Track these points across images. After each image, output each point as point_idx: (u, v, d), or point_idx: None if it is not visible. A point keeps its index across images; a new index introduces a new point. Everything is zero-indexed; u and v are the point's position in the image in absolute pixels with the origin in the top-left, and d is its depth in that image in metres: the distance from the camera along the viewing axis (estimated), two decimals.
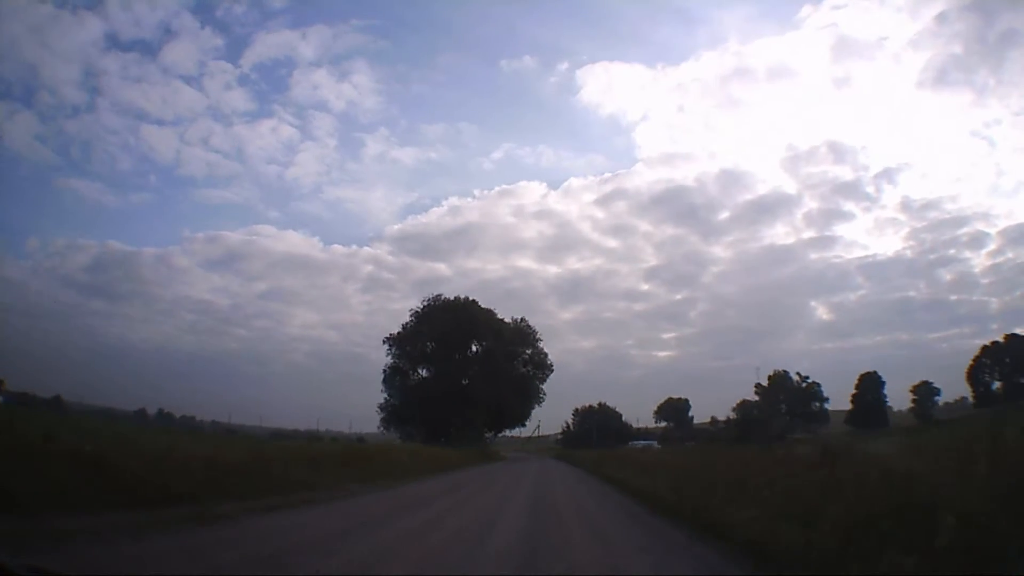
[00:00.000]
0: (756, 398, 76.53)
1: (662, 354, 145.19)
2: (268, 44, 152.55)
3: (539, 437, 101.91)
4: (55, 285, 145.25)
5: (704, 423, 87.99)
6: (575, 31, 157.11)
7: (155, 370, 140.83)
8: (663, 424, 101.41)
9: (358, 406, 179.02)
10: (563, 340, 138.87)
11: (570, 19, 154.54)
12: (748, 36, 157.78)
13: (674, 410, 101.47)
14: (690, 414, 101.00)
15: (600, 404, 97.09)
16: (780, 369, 79.20)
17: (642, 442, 66.01)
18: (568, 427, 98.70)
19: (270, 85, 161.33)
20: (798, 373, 79.36)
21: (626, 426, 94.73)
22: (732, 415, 71.40)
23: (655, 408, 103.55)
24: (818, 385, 78.03)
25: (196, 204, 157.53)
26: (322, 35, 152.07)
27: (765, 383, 78.20)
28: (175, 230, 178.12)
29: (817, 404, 77.32)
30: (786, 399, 76.62)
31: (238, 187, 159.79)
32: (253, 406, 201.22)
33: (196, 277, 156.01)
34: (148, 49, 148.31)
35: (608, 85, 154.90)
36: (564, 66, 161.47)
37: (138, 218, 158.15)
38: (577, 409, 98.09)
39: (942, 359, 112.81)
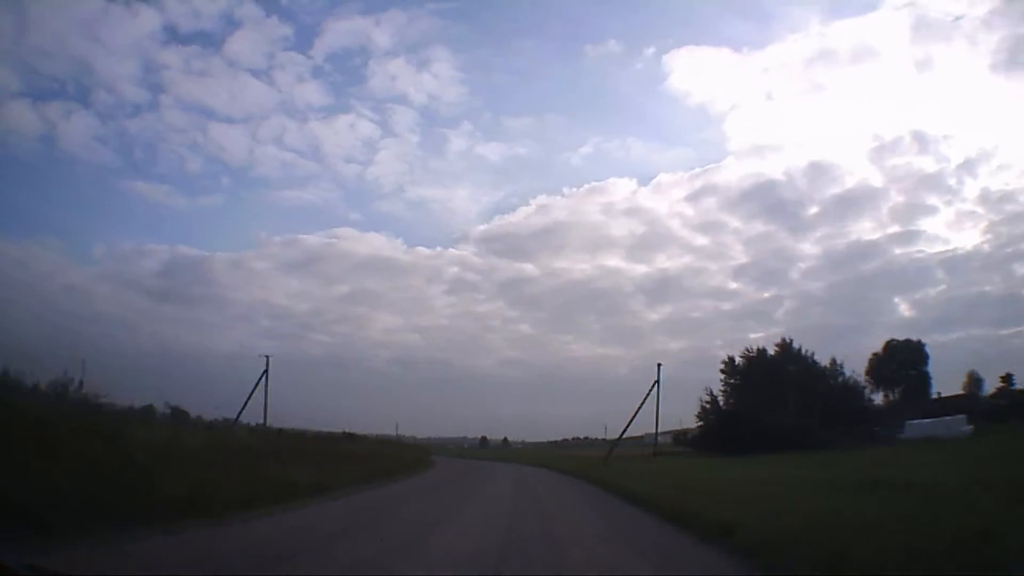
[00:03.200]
0: None
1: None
2: (339, 32, 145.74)
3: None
4: (124, 291, 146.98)
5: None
6: (660, 12, 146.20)
7: (229, 377, 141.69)
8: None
9: (440, 413, 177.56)
10: (651, 342, 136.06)
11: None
12: (829, 16, 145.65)
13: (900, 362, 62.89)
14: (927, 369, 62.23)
15: (782, 343, 58.25)
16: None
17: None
18: (711, 406, 56.37)
19: (345, 77, 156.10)
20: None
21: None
22: None
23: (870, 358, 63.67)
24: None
25: (271, 206, 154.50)
26: (396, 20, 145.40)
27: None
28: (250, 233, 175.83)
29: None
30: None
31: (316, 188, 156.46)
32: (330, 413, 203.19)
33: (273, 281, 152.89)
34: (210, 41, 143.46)
35: (695, 71, 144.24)
36: (650, 51, 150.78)
37: (210, 221, 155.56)
38: (732, 365, 57.57)
39: (1015, 354, 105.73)
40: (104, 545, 6.58)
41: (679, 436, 69.50)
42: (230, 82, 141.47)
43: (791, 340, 57.80)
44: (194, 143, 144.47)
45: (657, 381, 49.35)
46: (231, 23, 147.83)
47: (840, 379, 54.67)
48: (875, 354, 62.83)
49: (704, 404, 56.32)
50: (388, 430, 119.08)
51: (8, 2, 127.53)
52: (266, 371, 47.95)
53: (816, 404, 47.24)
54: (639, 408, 50.82)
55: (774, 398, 48.32)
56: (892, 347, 62.96)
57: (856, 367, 56.28)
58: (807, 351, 56.56)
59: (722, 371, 57.79)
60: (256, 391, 49.88)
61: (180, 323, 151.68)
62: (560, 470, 33.58)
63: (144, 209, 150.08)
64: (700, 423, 58.21)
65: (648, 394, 49.61)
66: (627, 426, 56.70)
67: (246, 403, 46.25)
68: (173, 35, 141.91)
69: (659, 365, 50.55)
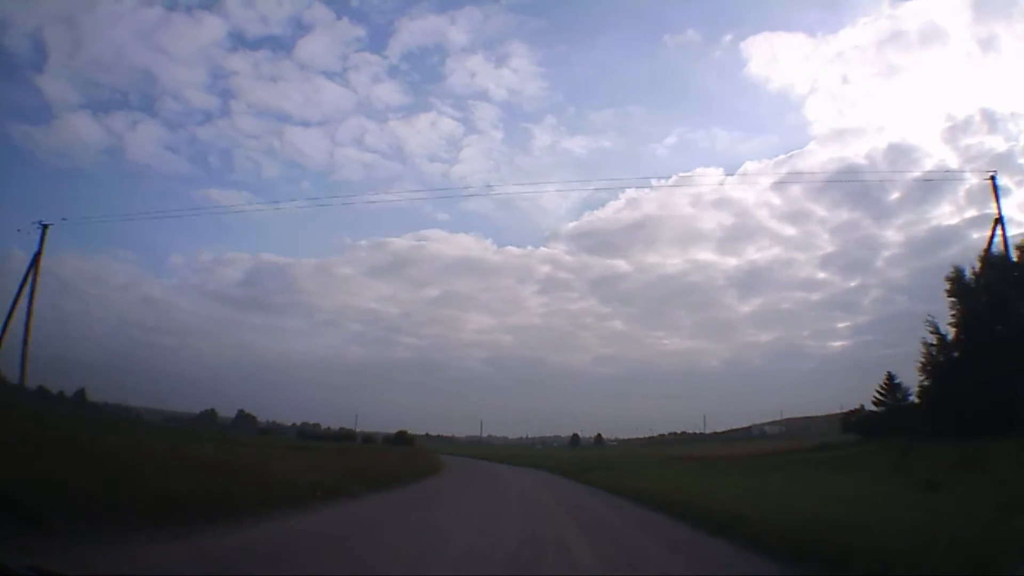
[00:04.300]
0: None
1: (836, 344, 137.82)
2: (414, 31, 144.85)
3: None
4: (205, 302, 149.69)
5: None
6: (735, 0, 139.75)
7: (319, 383, 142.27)
8: None
9: (530, 412, 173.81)
10: (740, 335, 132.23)
11: None
12: None
13: None
14: None
15: None
16: None
17: None
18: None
19: (423, 75, 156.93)
20: None
21: None
22: None
23: None
24: None
25: (355, 209, 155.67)
26: (472, 17, 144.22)
27: None
28: (335, 238, 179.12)
29: None
30: None
31: (400, 189, 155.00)
32: (419, 416, 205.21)
33: (361, 286, 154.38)
34: (280, 45, 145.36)
35: (773, 57, 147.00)
36: (728, 38, 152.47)
37: (292, 227, 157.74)
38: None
39: None
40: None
41: (850, 418, 52.20)
42: (303, 85, 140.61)
43: None
44: (270, 148, 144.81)
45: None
46: (300, 26, 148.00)
47: None
48: None
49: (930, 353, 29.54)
50: (476, 431, 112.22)
51: (61, 17, 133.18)
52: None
53: None
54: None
55: None
56: None
57: None
58: None
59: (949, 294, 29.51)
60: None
61: (265, 331, 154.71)
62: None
63: (222, 217, 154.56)
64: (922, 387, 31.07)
65: None
66: None
67: None
68: (240, 41, 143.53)
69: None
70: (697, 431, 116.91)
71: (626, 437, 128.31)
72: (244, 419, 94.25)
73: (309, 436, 72.69)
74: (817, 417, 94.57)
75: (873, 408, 44.51)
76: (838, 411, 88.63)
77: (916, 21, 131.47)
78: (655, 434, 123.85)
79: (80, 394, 65.98)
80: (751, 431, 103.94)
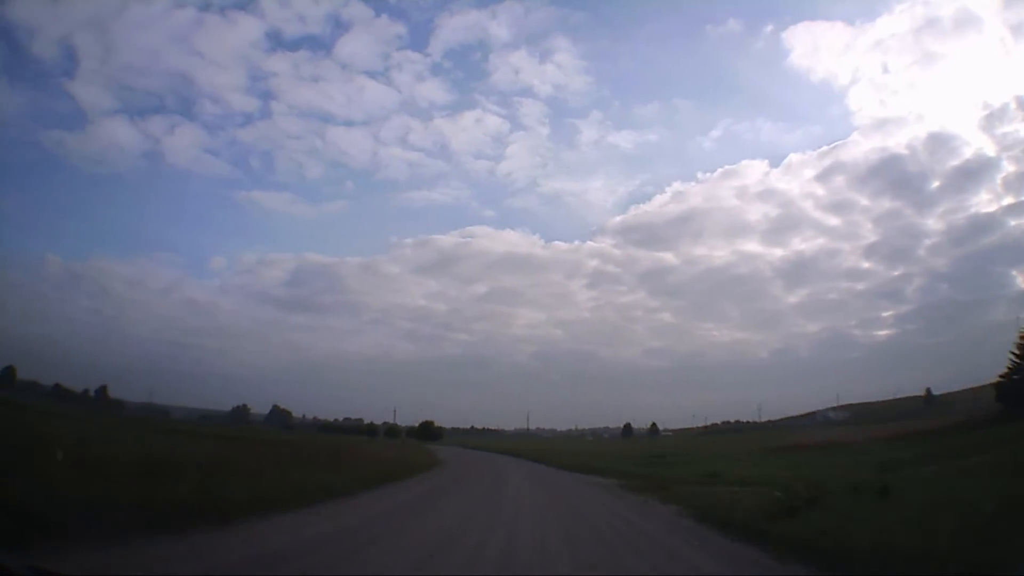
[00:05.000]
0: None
1: (881, 333, 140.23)
2: (455, 28, 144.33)
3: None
4: (249, 303, 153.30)
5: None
6: None
7: (366, 381, 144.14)
8: None
9: (581, 405, 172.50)
10: (788, 325, 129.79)
11: None
12: None
13: None
14: None
15: None
16: None
17: None
18: None
19: (466, 72, 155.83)
20: None
21: None
22: None
23: None
24: None
25: (401, 208, 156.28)
26: (513, 12, 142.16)
27: None
28: (380, 237, 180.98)
29: None
30: None
31: (446, 187, 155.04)
32: (467, 410, 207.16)
33: (408, 283, 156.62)
34: (319, 45, 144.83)
35: (815, 47, 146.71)
36: (769, 28, 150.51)
37: (336, 227, 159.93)
38: None
39: None
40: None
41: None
42: (345, 85, 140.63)
43: None
44: (313, 148, 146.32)
45: None
46: (339, 25, 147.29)
47: None
48: None
49: None
50: (524, 425, 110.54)
51: (90, 23, 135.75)
52: None
53: None
54: None
55: None
56: None
57: None
58: None
59: None
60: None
61: (310, 330, 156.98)
62: None
63: (265, 218, 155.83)
64: None
65: None
66: None
67: None
68: (278, 41, 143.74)
69: None
70: (749, 420, 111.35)
71: (680, 427, 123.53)
72: (278, 414, 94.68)
73: (329, 429, 71.38)
74: (882, 402, 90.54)
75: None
76: (900, 396, 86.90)
77: (950, 7, 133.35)
78: (709, 423, 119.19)
79: (101, 391, 66.79)
80: (815, 417, 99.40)
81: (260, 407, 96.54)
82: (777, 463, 29.00)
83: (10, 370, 55.80)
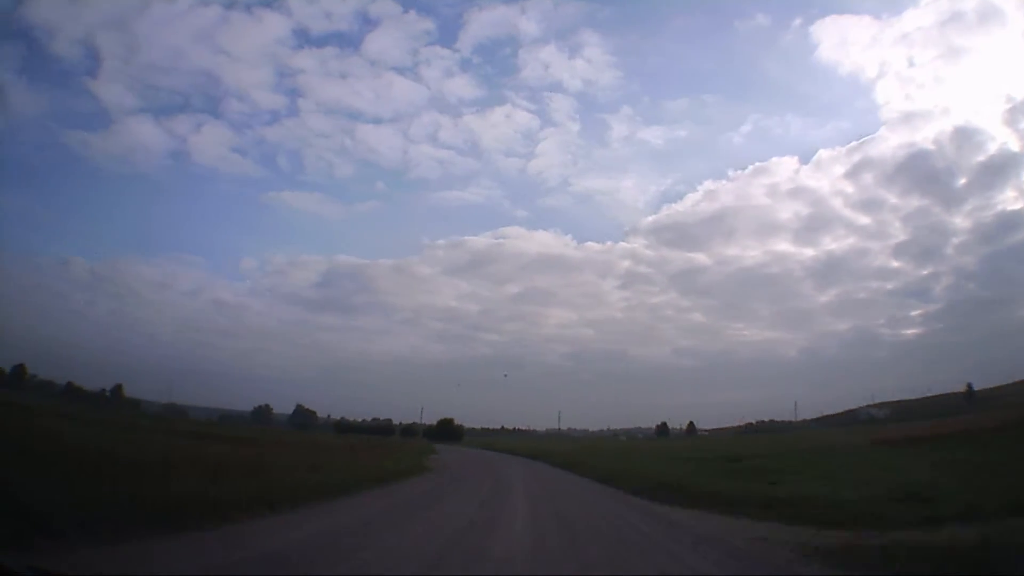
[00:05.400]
0: None
1: (910, 332, 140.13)
2: (484, 23, 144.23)
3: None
4: (278, 304, 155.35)
5: None
6: None
7: (395, 382, 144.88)
8: None
9: (613, 405, 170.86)
10: (817, 324, 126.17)
11: None
12: None
13: None
14: None
15: None
16: None
17: None
18: None
19: (496, 68, 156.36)
20: None
21: None
22: None
23: None
24: None
25: (432, 208, 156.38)
26: (542, 6, 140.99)
27: None
28: (412, 237, 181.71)
29: None
30: None
31: (477, 186, 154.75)
32: (498, 410, 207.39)
33: (440, 285, 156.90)
34: (347, 41, 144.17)
35: (842, 40, 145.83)
36: (797, 22, 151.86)
37: (367, 227, 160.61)
38: None
39: None
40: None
41: None
42: (374, 81, 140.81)
43: None
44: (342, 147, 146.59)
45: None
46: (367, 21, 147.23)
47: None
48: None
49: None
50: (556, 425, 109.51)
51: (111, 22, 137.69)
52: None
53: None
54: None
55: None
56: None
57: None
58: None
59: None
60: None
61: (341, 331, 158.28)
62: None
63: (294, 219, 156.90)
64: None
65: None
66: None
67: None
68: (305, 38, 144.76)
69: None
70: (783, 419, 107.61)
71: (715, 426, 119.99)
72: (302, 414, 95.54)
73: (344, 429, 71.34)
74: (921, 399, 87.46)
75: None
76: (936, 393, 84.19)
77: (973, 0, 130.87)
78: (743, 422, 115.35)
79: (116, 391, 68.32)
80: (857, 415, 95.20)
81: (286, 407, 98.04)
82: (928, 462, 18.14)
83: (20, 368, 57.86)
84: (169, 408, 70.97)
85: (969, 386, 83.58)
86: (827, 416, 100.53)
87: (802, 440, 44.59)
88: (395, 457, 30.96)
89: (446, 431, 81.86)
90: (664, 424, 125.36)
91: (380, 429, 76.10)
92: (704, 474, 20.97)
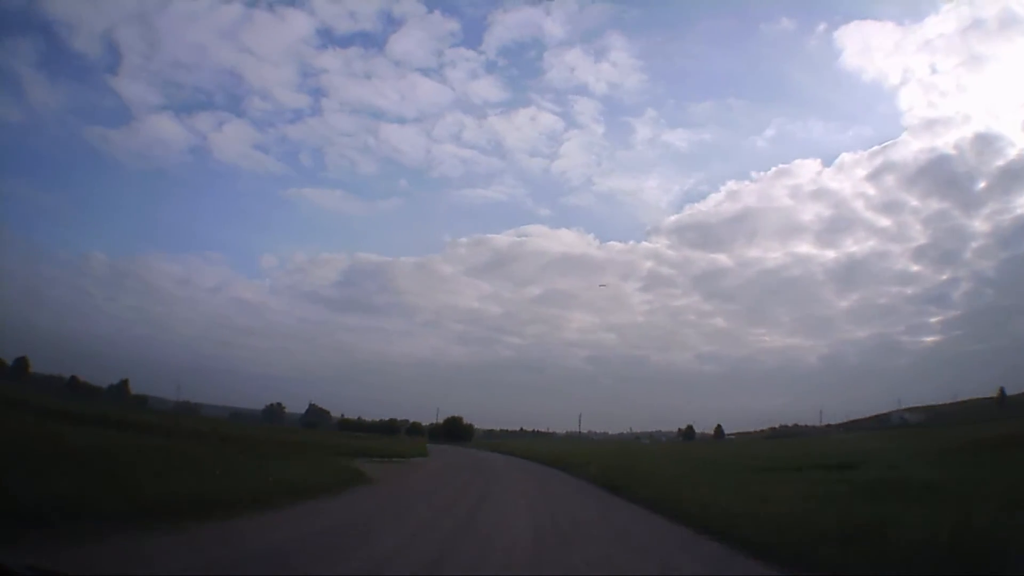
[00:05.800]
0: None
1: (929, 339, 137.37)
2: (509, 25, 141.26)
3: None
4: (298, 303, 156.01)
5: None
6: None
7: (415, 383, 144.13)
8: None
9: (635, 408, 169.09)
10: (839, 330, 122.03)
11: None
12: None
13: None
14: None
15: None
16: None
17: None
18: None
19: (521, 70, 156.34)
20: None
21: None
22: None
23: None
24: None
25: (455, 206, 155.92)
26: (567, 8, 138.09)
27: None
28: (434, 235, 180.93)
29: None
30: None
31: (500, 185, 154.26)
32: (518, 412, 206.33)
33: (462, 285, 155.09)
34: (372, 42, 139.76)
35: (865, 47, 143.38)
36: (822, 27, 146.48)
37: (389, 225, 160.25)
38: None
39: None
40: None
41: None
42: (398, 82, 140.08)
43: None
44: (365, 146, 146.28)
45: None
46: (391, 22, 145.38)
47: None
48: None
49: None
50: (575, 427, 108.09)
51: (133, 18, 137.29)
52: None
53: None
54: None
55: None
56: None
57: None
58: None
59: None
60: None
61: (361, 332, 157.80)
62: None
63: (316, 216, 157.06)
64: None
65: None
66: None
67: None
68: (329, 38, 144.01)
69: None
70: (812, 424, 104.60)
71: (741, 430, 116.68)
72: (314, 413, 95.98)
73: (349, 428, 71.10)
74: (951, 404, 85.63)
75: None
76: (963, 399, 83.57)
77: (994, 8, 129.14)
78: (767, 427, 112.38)
79: (121, 386, 69.08)
80: (889, 419, 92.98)
81: (300, 407, 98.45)
82: None
83: (23, 361, 59.03)
84: (181, 406, 71.94)
85: (1002, 391, 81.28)
86: (853, 421, 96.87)
87: (870, 441, 37.77)
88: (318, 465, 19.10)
89: (454, 430, 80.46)
90: (690, 427, 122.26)
91: (384, 428, 75.76)
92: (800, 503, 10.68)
